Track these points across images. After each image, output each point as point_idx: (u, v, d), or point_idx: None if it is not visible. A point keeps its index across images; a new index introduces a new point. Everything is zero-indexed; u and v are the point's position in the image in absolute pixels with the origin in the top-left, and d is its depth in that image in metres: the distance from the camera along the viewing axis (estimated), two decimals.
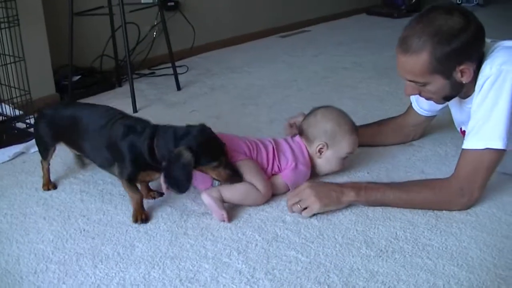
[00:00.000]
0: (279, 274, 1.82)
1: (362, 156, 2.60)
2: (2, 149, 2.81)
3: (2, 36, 3.15)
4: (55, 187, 2.46)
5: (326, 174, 2.45)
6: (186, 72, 4.31)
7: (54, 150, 2.41)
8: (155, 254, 1.96)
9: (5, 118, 3.20)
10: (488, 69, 2.03)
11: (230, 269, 1.86)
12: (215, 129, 2.20)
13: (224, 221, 2.13)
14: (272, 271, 1.84)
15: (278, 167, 2.34)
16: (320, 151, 2.38)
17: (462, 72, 2.05)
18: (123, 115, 2.26)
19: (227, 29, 5.16)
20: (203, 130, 2.15)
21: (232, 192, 2.21)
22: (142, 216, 2.16)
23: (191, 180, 2.08)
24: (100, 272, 1.87)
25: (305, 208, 2.14)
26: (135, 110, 3.46)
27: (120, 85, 4.04)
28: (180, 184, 2.07)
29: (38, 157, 2.47)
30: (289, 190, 2.32)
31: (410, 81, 2.13)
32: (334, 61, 4.51)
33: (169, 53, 3.86)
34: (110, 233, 2.11)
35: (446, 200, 2.13)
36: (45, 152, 2.41)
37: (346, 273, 1.81)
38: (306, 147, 2.40)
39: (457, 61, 2.03)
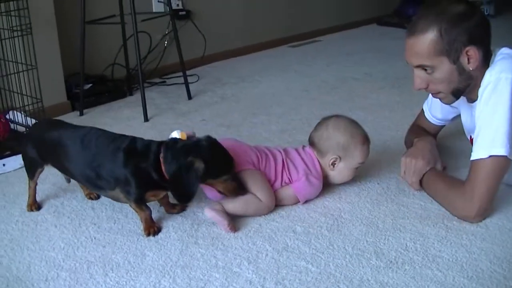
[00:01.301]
0: (289, 284, 1.82)
1: (373, 166, 2.60)
2: (14, 157, 2.82)
3: (15, 44, 3.17)
4: (39, 208, 2.40)
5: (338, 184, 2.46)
6: (197, 81, 4.32)
7: (41, 171, 2.36)
8: (165, 263, 1.97)
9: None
10: (488, 77, 2.05)
11: (240, 279, 1.86)
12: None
13: (229, 231, 2.14)
14: (282, 281, 1.84)
15: (289, 178, 2.33)
16: (333, 164, 2.38)
17: (468, 56, 2.06)
18: (114, 137, 2.19)
19: (238, 39, 5.18)
20: (213, 142, 2.15)
21: (234, 203, 2.21)
22: (154, 229, 2.16)
23: (197, 190, 2.09)
24: (111, 281, 1.88)
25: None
26: (146, 119, 3.47)
27: (131, 94, 4.05)
28: (187, 194, 2.08)
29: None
30: (298, 202, 2.33)
31: (418, 66, 2.14)
32: (344, 71, 4.52)
33: (180, 62, 3.87)
34: (121, 242, 2.11)
35: (456, 204, 2.15)
36: (32, 172, 2.36)
37: (356, 284, 1.81)
38: (317, 159, 2.41)
39: (464, 43, 2.05)
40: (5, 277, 1.92)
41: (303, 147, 2.46)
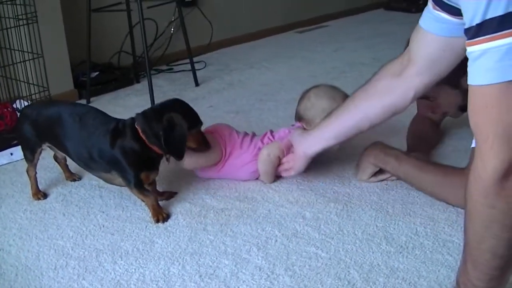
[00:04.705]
0: (299, 270, 1.82)
1: None
2: None
3: (20, 33, 3.16)
4: (45, 196, 2.38)
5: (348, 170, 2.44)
6: (204, 68, 4.30)
7: (40, 153, 2.34)
8: (174, 250, 1.96)
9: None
10: None
11: (250, 265, 1.86)
12: (233, 125, 2.21)
13: None
14: (292, 267, 1.83)
15: (270, 139, 2.42)
16: None
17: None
18: (108, 120, 2.20)
19: (244, 25, 5.15)
20: (178, 99, 2.23)
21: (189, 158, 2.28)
22: (163, 215, 2.15)
23: (185, 143, 2.14)
24: (120, 268, 1.88)
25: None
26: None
27: (138, 81, 4.04)
28: (179, 148, 2.12)
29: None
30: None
31: (420, 98, 2.10)
32: (352, 56, 4.49)
33: (187, 49, 3.85)
34: (130, 229, 2.11)
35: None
36: (32, 154, 2.31)
37: (366, 269, 1.80)
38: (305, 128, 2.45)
39: (463, 71, 1.98)
40: (14, 266, 1.92)
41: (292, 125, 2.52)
